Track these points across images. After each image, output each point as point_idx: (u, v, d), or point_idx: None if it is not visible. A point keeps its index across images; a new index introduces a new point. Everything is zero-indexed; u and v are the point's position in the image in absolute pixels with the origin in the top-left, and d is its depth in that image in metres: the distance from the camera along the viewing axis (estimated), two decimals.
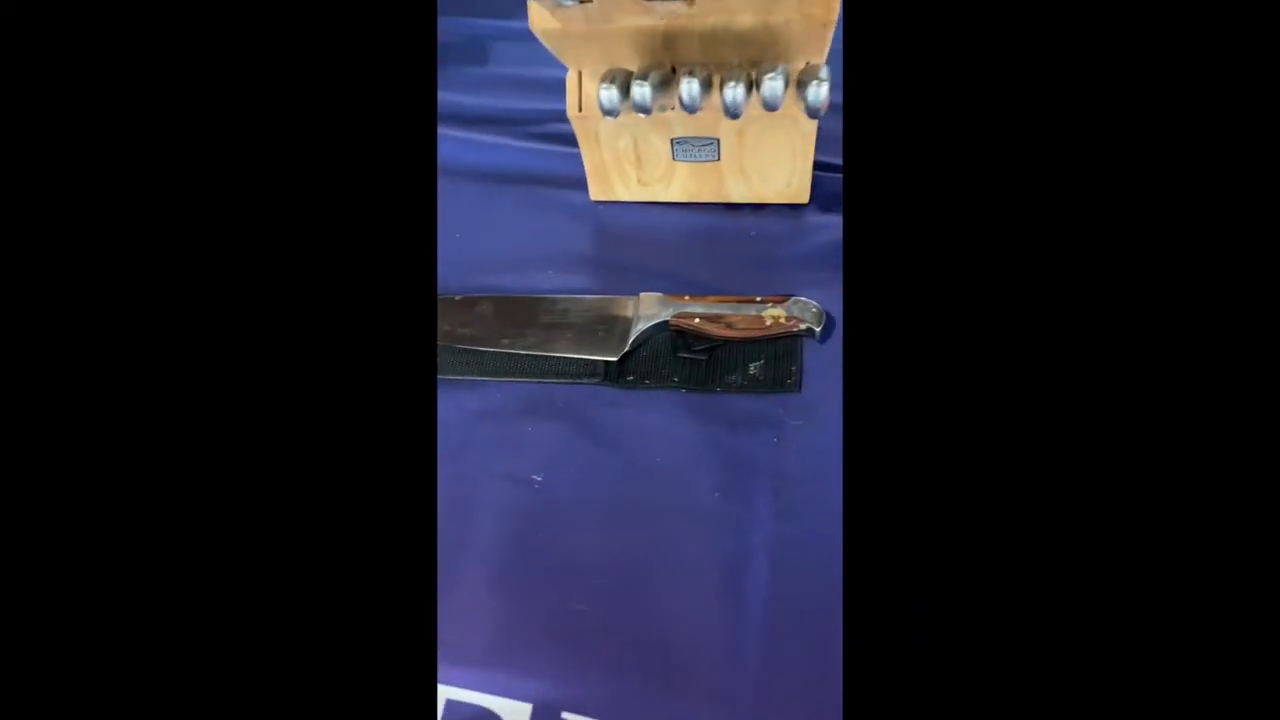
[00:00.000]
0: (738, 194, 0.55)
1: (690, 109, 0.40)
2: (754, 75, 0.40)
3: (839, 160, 0.55)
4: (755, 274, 0.52)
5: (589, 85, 0.49)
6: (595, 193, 0.57)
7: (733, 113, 0.39)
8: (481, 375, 0.49)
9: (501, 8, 0.69)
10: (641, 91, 0.39)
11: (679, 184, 0.55)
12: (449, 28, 0.69)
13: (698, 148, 0.51)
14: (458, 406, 0.48)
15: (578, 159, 0.55)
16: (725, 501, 0.43)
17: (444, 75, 0.68)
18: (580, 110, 0.50)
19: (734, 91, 0.38)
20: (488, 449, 0.47)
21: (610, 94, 0.40)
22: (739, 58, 0.43)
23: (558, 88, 0.50)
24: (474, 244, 0.56)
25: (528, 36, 0.43)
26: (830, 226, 0.53)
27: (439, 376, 0.49)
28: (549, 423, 0.47)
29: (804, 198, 0.55)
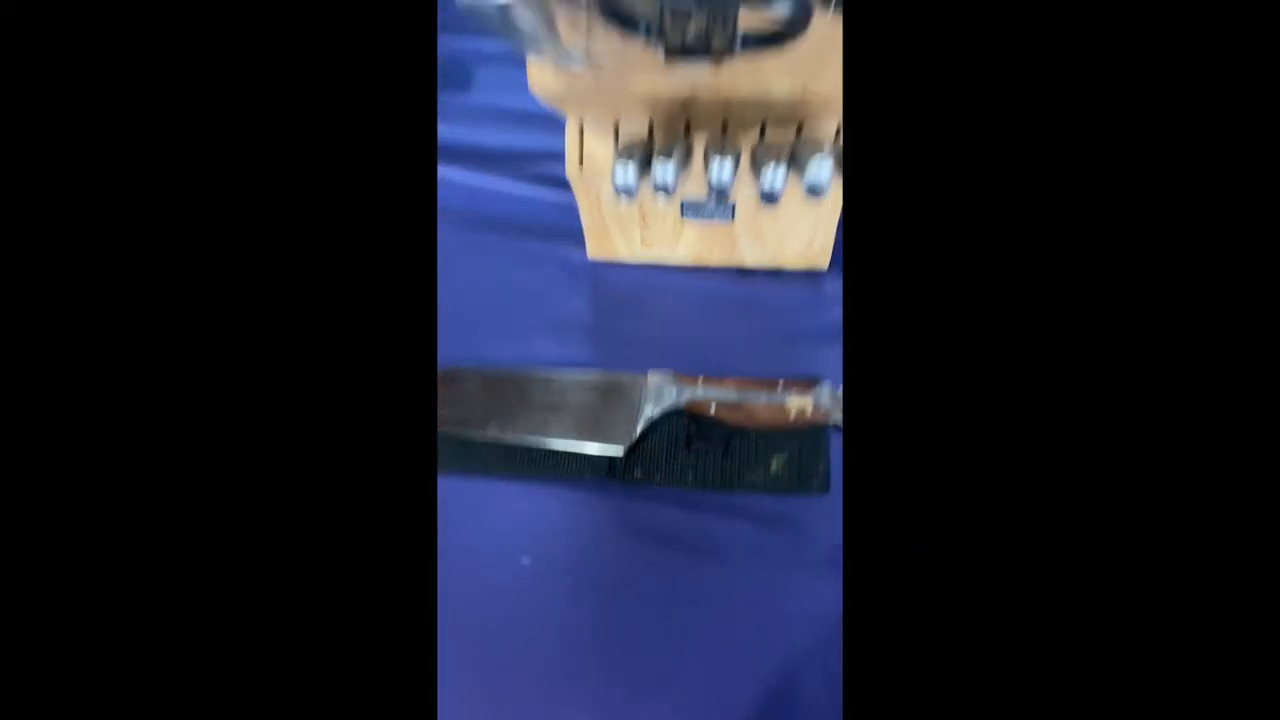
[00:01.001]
0: (752, 258, 0.50)
1: (720, 193, 0.34)
2: (793, 148, 0.35)
3: None
4: (775, 349, 0.47)
5: (592, 141, 0.43)
6: (594, 251, 0.51)
7: (771, 198, 0.33)
8: (466, 469, 0.43)
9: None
10: (664, 170, 0.33)
11: (687, 245, 0.49)
12: None
13: (710, 209, 0.45)
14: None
15: (576, 207, 0.49)
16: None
17: None
18: (581, 167, 0.44)
19: (773, 175, 0.32)
20: (455, 510, 0.40)
21: (627, 172, 0.34)
22: (768, 123, 0.38)
23: (554, 124, 0.44)
24: (454, 304, 0.50)
25: (519, 60, 0.35)
26: None
27: None
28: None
29: (825, 262, 0.49)
